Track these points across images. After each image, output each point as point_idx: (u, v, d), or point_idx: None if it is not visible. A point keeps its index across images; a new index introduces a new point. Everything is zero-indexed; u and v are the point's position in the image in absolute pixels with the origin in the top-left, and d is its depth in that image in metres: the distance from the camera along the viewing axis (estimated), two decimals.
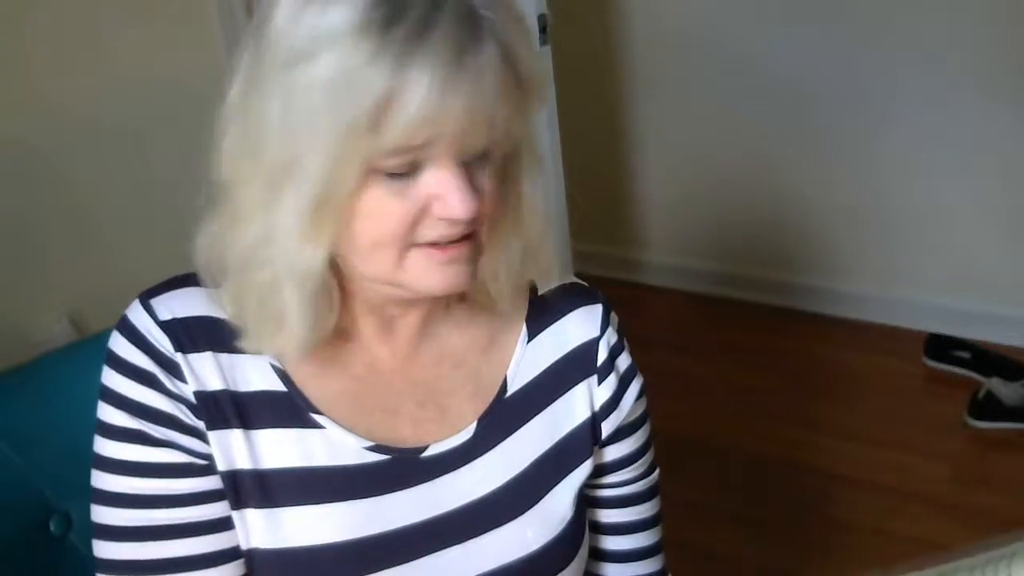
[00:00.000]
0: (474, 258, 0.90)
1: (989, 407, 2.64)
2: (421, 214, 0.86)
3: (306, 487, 0.94)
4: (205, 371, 0.93)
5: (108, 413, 0.93)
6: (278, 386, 0.95)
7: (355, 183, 0.83)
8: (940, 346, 2.91)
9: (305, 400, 0.95)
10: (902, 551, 2.16)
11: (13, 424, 1.15)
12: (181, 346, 0.93)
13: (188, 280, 0.95)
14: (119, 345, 0.94)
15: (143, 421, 0.92)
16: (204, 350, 0.93)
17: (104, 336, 0.95)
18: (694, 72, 3.28)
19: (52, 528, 1.16)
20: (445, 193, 0.84)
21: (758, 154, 3.22)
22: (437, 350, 0.99)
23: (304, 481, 0.94)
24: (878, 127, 2.97)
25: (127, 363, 0.93)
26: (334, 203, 0.85)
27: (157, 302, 0.94)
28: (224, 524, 0.93)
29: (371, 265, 0.89)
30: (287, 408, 0.95)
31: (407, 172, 0.84)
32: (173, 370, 0.92)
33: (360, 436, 0.95)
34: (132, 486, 0.92)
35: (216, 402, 0.93)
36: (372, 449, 0.95)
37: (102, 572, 0.93)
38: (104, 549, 0.93)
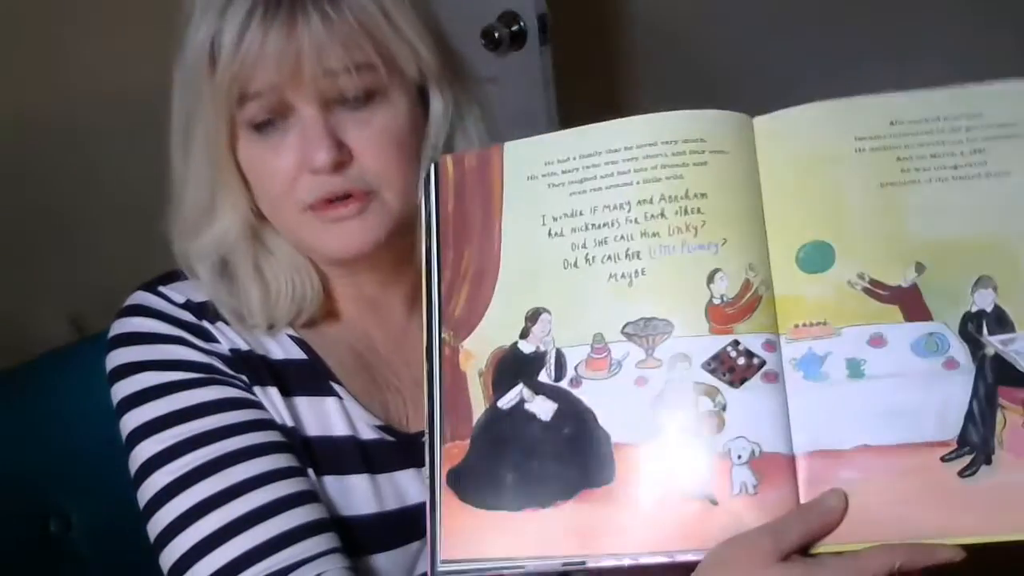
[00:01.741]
0: (372, 215, 0.91)
1: None
2: (298, 170, 0.89)
3: (337, 456, 0.95)
4: (233, 336, 0.95)
5: (133, 385, 0.91)
6: (300, 354, 0.97)
7: (225, 135, 0.89)
8: None
9: (326, 369, 0.97)
10: None
11: (13, 424, 1.16)
12: (202, 318, 0.95)
13: (176, 275, 0.98)
14: (131, 324, 0.94)
15: (179, 372, 0.91)
16: (226, 322, 0.95)
17: (104, 336, 0.96)
18: (694, 72, 3.27)
19: (52, 528, 1.16)
20: (303, 142, 0.88)
21: None
22: None
23: (336, 450, 0.95)
24: None
25: (147, 333, 0.94)
26: (221, 162, 0.90)
27: (164, 289, 0.96)
28: (285, 447, 0.92)
29: (283, 230, 0.94)
30: (311, 375, 0.96)
31: (270, 122, 0.89)
32: (202, 333, 0.94)
33: (372, 413, 0.98)
34: (183, 432, 0.89)
35: (252, 361, 0.94)
36: (380, 428, 0.98)
37: (187, 555, 0.87)
38: (162, 518, 0.87)
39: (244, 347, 0.95)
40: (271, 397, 0.94)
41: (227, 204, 0.93)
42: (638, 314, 0.75)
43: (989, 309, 0.72)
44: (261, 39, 0.85)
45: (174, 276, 0.98)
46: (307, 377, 0.96)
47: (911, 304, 0.73)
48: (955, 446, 0.70)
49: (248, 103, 0.88)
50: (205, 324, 0.94)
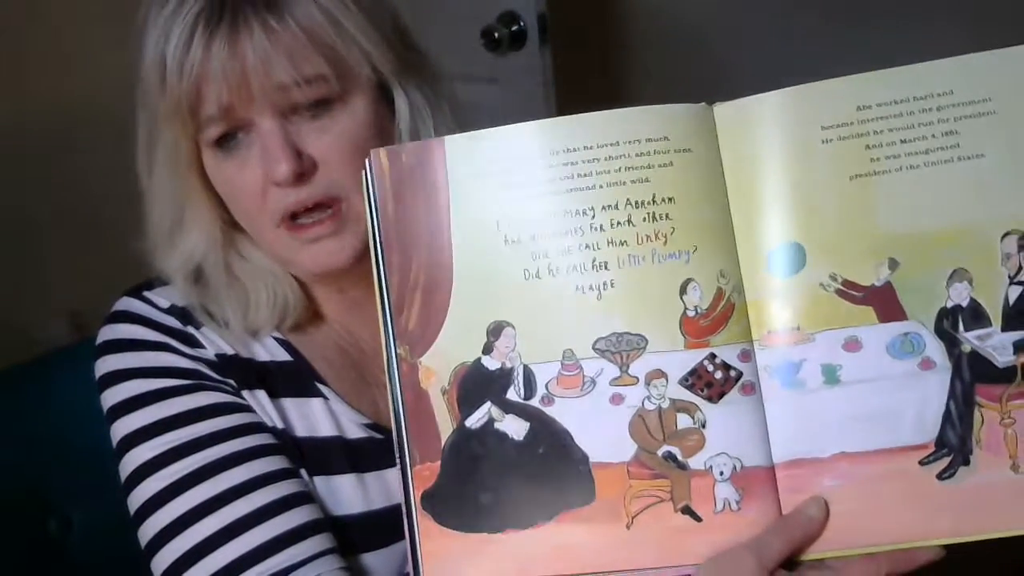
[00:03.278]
0: (347, 232, 0.90)
1: None
2: (264, 184, 0.88)
3: (325, 457, 0.94)
4: (218, 341, 0.94)
5: (122, 393, 0.91)
6: (285, 356, 0.97)
7: (187, 153, 0.89)
8: None
9: (311, 370, 0.96)
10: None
11: (13, 424, 1.16)
12: (188, 324, 0.94)
13: (156, 282, 0.97)
14: (118, 331, 0.94)
15: (166, 379, 0.91)
16: (210, 327, 0.95)
17: None
18: (694, 72, 3.18)
19: (52, 529, 1.16)
20: (264, 156, 0.87)
21: None
22: None
23: (324, 451, 0.94)
24: None
25: (134, 340, 0.93)
26: (185, 180, 0.90)
27: (150, 294, 0.96)
28: (277, 449, 0.91)
29: (262, 245, 0.93)
30: (296, 377, 0.96)
31: (233, 136, 0.87)
32: (187, 339, 0.93)
33: (360, 412, 0.97)
34: (176, 438, 0.88)
35: (239, 364, 0.94)
36: (368, 427, 0.97)
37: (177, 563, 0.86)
38: (153, 525, 0.87)
39: (229, 351, 0.94)
40: (259, 400, 0.93)
41: (195, 219, 0.92)
42: (609, 329, 0.72)
43: (965, 304, 0.71)
44: (203, 56, 0.83)
45: (161, 279, 0.97)
46: (292, 379, 0.96)
47: (885, 304, 0.71)
48: (933, 448, 0.70)
49: (206, 126, 0.87)
50: (190, 330, 0.94)
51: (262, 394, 0.93)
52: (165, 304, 0.95)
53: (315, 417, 0.95)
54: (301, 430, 0.94)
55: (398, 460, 0.74)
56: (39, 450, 1.14)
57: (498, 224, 0.74)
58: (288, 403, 0.94)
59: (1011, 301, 0.71)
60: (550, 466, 0.72)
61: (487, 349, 0.73)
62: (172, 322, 0.94)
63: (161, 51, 0.85)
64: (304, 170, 0.86)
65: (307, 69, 0.85)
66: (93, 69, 1.88)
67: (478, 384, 0.73)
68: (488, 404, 0.73)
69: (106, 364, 0.93)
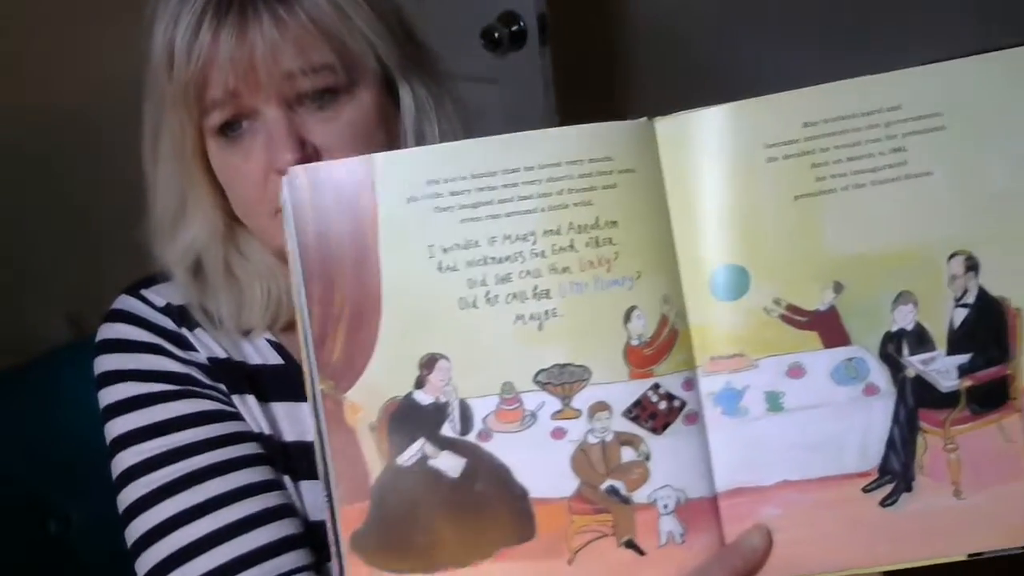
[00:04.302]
0: None
1: None
2: (267, 173, 0.87)
3: (313, 461, 0.91)
4: (211, 343, 0.95)
5: (115, 394, 0.92)
6: (277, 359, 0.97)
7: (192, 141, 0.88)
8: None
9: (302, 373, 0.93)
10: None
11: (13, 424, 1.16)
12: (182, 325, 0.95)
13: (158, 278, 0.97)
14: (115, 330, 0.95)
15: (158, 383, 0.92)
16: (204, 328, 0.95)
17: None
18: (694, 72, 3.08)
19: (52, 528, 1.16)
20: (268, 144, 0.86)
21: None
22: None
23: (312, 455, 0.91)
24: None
25: (127, 341, 0.94)
26: (188, 168, 0.90)
27: (147, 292, 0.97)
28: (261, 459, 0.92)
29: (257, 234, 0.93)
30: (286, 381, 0.95)
31: (238, 125, 0.87)
32: (180, 342, 0.94)
33: None
34: (160, 445, 0.89)
35: (230, 368, 0.94)
36: None
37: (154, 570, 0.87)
38: (137, 528, 0.88)
39: (222, 354, 0.95)
40: (248, 405, 0.94)
41: (197, 209, 0.92)
42: (551, 360, 0.68)
43: (909, 327, 0.70)
44: (211, 43, 0.84)
45: (157, 278, 0.98)
46: (283, 383, 0.95)
47: (829, 329, 0.70)
48: (876, 476, 0.69)
49: (210, 111, 0.87)
50: (184, 331, 0.95)
51: (251, 399, 0.94)
52: (161, 303, 0.96)
53: (304, 421, 0.94)
54: (290, 434, 0.94)
55: (325, 501, 0.69)
56: (39, 450, 1.15)
57: (431, 250, 0.69)
58: (278, 407, 0.95)
59: (956, 324, 0.70)
60: (488, 503, 0.69)
61: (419, 383, 0.69)
62: (167, 323, 0.95)
63: (170, 37, 0.85)
64: (308, 159, 0.86)
65: (315, 58, 0.85)
66: (94, 69, 1.91)
67: (410, 420, 0.69)
68: (421, 440, 0.69)
69: (102, 364, 0.94)
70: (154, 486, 0.88)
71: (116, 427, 0.91)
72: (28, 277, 2.02)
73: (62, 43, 2.01)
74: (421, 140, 0.94)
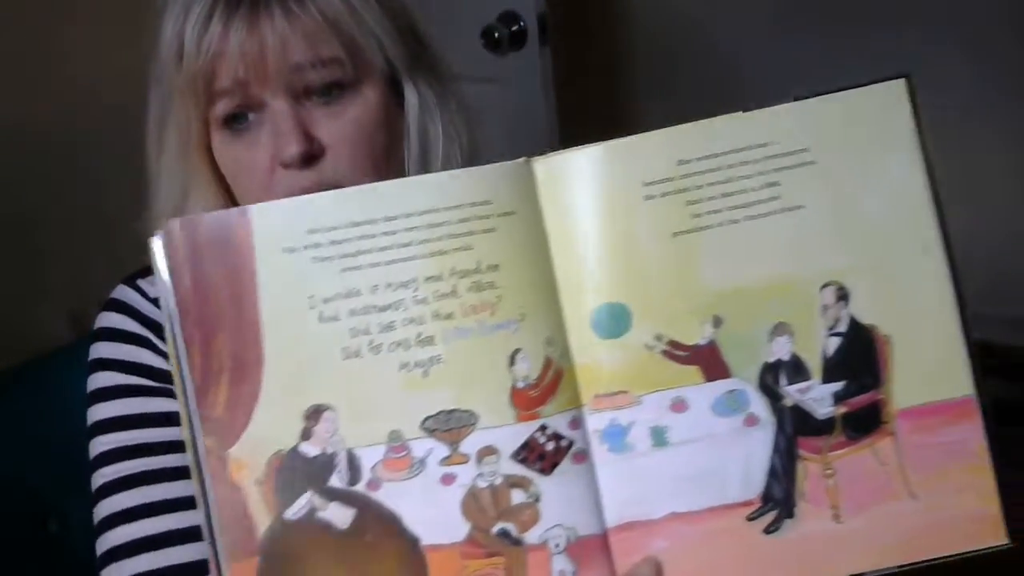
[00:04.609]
0: None
1: (991, 407, 2.65)
2: (272, 165, 0.88)
3: None
4: None
5: (99, 381, 0.94)
6: None
7: (197, 132, 0.90)
8: None
9: None
10: None
11: (13, 424, 1.17)
12: None
13: None
14: (108, 319, 0.97)
15: (139, 377, 0.93)
16: None
17: None
18: (694, 72, 3.04)
19: (52, 528, 1.16)
20: (274, 136, 0.87)
21: None
22: None
23: None
24: None
25: (117, 330, 0.95)
26: (192, 159, 0.91)
27: (143, 282, 0.97)
28: None
29: None
30: None
31: (244, 117, 0.88)
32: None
33: None
34: (129, 437, 0.91)
35: None
36: None
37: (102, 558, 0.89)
38: (98, 512, 0.90)
39: None
40: None
41: (198, 202, 0.93)
42: (438, 406, 0.68)
43: (786, 358, 0.71)
44: (222, 34, 0.85)
45: None
46: None
47: (710, 362, 0.71)
48: (759, 504, 0.71)
49: (217, 101, 0.88)
50: None
51: None
52: (153, 293, 0.96)
53: None
54: None
55: (210, 559, 0.68)
56: (39, 450, 1.15)
57: (312, 300, 0.68)
58: None
59: (829, 353, 0.72)
60: (379, 553, 0.68)
61: (305, 434, 0.68)
62: (157, 314, 0.94)
63: (180, 28, 0.86)
64: (314, 153, 0.87)
65: (324, 51, 0.87)
66: (94, 69, 1.96)
67: (297, 473, 0.68)
68: (309, 493, 0.68)
69: (93, 351, 0.96)
70: (111, 478, 0.90)
71: (94, 413, 0.94)
72: (28, 277, 2.03)
73: (63, 43, 2.01)
74: (424, 140, 0.95)
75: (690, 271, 0.71)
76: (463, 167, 0.95)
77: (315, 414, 0.68)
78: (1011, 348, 2.79)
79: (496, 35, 2.10)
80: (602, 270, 0.70)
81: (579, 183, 0.70)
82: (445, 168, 0.96)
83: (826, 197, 0.71)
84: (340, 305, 0.68)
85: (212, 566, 0.68)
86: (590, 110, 3.54)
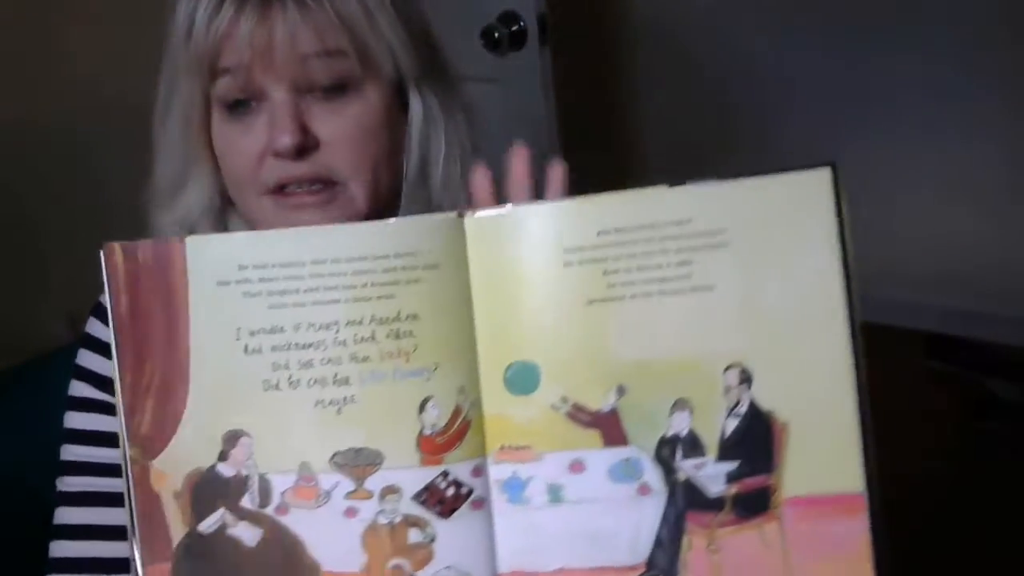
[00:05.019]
0: (336, 208, 0.92)
1: (990, 407, 2.63)
2: (264, 153, 0.90)
3: None
4: None
5: (75, 390, 0.97)
6: None
7: (200, 110, 0.92)
8: (940, 346, 2.82)
9: None
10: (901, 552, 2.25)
11: (13, 424, 1.18)
12: None
13: None
14: (90, 326, 1.01)
15: (106, 393, 0.94)
16: None
17: None
18: (694, 73, 3.09)
19: (51, 528, 1.11)
20: (270, 125, 0.89)
21: (760, 155, 3.07)
22: None
23: None
24: (878, 126, 2.83)
25: (99, 341, 0.99)
26: (193, 136, 0.93)
27: None
28: None
29: (243, 212, 0.96)
30: None
31: (244, 103, 0.90)
32: None
33: None
34: (95, 454, 0.94)
35: None
36: None
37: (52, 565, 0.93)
38: (55, 518, 0.94)
39: None
40: None
41: (196, 181, 0.95)
42: (347, 443, 0.73)
43: (684, 433, 0.75)
44: (232, 18, 0.87)
45: None
46: None
47: (610, 429, 0.75)
48: (644, 569, 0.74)
49: (220, 78, 0.90)
50: None
51: None
52: None
53: None
54: None
55: (132, 560, 0.73)
56: (39, 450, 1.12)
57: (239, 333, 0.73)
58: None
59: (727, 433, 0.75)
60: (282, 573, 0.73)
61: (223, 456, 0.73)
62: None
63: (191, 11, 0.89)
64: (307, 146, 0.89)
65: (331, 44, 0.88)
66: (95, 69, 1.97)
67: (212, 490, 0.73)
68: (222, 510, 0.73)
69: (78, 356, 0.99)
70: (76, 489, 0.94)
71: (69, 420, 0.97)
72: (28, 277, 2.04)
73: (63, 43, 2.02)
74: (426, 149, 0.97)
75: (600, 339, 0.74)
76: (463, 177, 0.97)
77: (233, 438, 0.73)
78: (1011, 348, 2.81)
79: (496, 35, 2.10)
80: (519, 328, 0.74)
81: (506, 242, 0.74)
82: (444, 178, 0.98)
83: (737, 280, 0.74)
84: (264, 340, 0.73)
85: (132, 568, 0.73)
86: (590, 110, 3.40)
